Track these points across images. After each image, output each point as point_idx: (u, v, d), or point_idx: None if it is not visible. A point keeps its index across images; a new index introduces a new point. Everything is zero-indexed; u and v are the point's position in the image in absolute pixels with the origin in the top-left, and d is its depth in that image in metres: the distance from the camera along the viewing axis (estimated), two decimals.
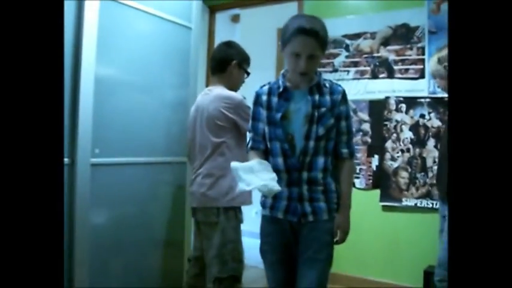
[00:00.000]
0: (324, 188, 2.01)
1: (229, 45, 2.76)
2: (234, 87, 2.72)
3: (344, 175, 2.08)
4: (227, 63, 2.67)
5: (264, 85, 2.11)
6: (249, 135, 2.15)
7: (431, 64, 3.51)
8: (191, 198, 2.68)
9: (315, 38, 1.88)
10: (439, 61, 2.69)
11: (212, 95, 2.58)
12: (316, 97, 2.00)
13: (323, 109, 1.99)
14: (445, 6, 3.56)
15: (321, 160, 1.99)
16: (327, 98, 2.01)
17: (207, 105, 2.57)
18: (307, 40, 1.87)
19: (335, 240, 2.06)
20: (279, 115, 1.98)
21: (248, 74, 2.77)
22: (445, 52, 2.68)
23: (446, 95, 3.49)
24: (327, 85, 2.04)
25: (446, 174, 2.67)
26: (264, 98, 2.05)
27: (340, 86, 2.08)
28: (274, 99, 2.02)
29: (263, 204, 2.10)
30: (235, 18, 6.02)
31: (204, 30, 4.59)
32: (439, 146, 2.93)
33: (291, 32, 1.89)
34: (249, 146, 2.13)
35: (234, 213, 2.54)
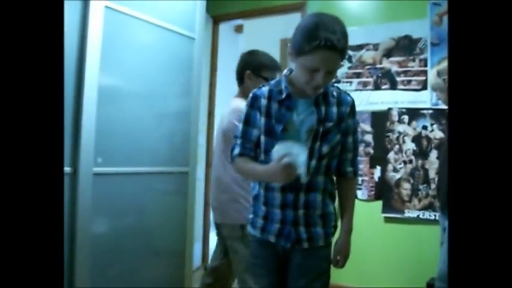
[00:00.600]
0: (321, 212, 1.79)
1: (248, 54, 2.71)
2: None
3: (347, 196, 1.90)
4: (242, 73, 2.63)
5: (264, 85, 1.84)
6: (236, 140, 1.88)
7: (430, 77, 3.51)
8: (213, 214, 2.68)
9: (340, 53, 1.60)
10: (438, 74, 2.70)
11: (229, 107, 2.58)
12: (323, 109, 1.73)
13: (329, 124, 1.73)
14: (447, 18, 3.57)
15: (321, 180, 1.77)
16: (334, 110, 1.75)
17: (223, 117, 2.58)
18: (331, 56, 1.58)
19: (335, 264, 1.88)
20: (280, 127, 1.72)
21: (267, 79, 2.48)
22: (443, 65, 2.70)
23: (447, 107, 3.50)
24: (335, 94, 1.78)
25: (444, 186, 2.68)
26: (263, 102, 1.77)
27: (349, 95, 1.83)
28: (275, 106, 1.74)
29: (253, 224, 1.87)
30: (239, 29, 6.05)
31: (207, 41, 4.61)
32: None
33: (314, 45, 1.55)
34: (237, 152, 1.85)
35: None
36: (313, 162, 1.71)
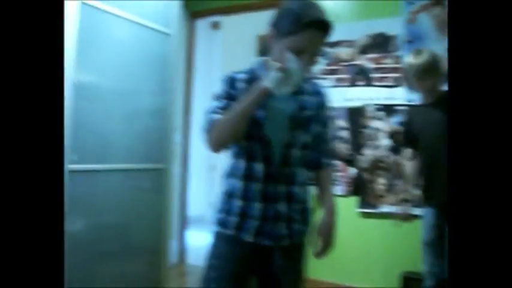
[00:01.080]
0: (301, 206, 1.72)
1: None
2: None
3: (326, 183, 1.79)
4: None
5: (240, 72, 1.70)
6: (210, 114, 1.63)
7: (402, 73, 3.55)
8: None
9: (326, 34, 1.55)
10: (407, 69, 2.76)
11: None
12: (304, 97, 1.70)
13: (309, 112, 1.70)
14: (421, 17, 3.62)
15: (301, 173, 1.71)
16: (313, 99, 1.72)
17: None
18: (319, 36, 1.54)
19: (317, 254, 1.72)
20: (261, 113, 1.60)
21: None
22: (409, 59, 2.74)
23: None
24: (311, 83, 1.76)
25: (439, 183, 2.68)
26: (241, 85, 1.65)
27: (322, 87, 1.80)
28: None
29: (223, 223, 1.68)
30: (216, 26, 6.04)
31: (184, 37, 4.59)
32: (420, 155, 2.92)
33: (304, 24, 1.50)
34: (214, 116, 1.61)
35: None
36: (294, 152, 1.67)
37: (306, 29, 1.51)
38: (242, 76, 1.68)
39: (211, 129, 1.59)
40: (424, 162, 2.85)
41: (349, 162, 3.83)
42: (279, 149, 1.64)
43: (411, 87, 2.87)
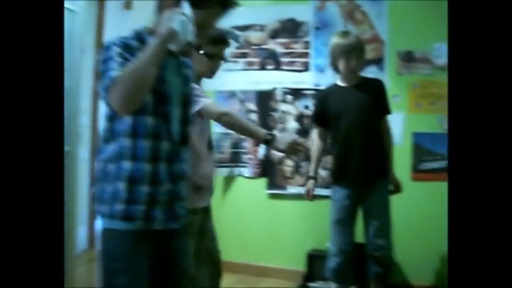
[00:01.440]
0: (186, 184, 1.67)
1: None
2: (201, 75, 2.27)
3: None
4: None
5: (125, 37, 1.55)
6: (108, 65, 1.45)
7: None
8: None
9: (229, 11, 1.57)
10: (334, 48, 2.81)
11: None
12: (188, 71, 1.67)
13: (191, 88, 1.68)
14: (329, 4, 3.72)
15: (187, 150, 1.66)
16: (190, 73, 1.69)
17: None
18: (225, 13, 1.58)
19: None
20: (161, 85, 1.51)
21: (210, 56, 2.22)
22: (336, 39, 2.79)
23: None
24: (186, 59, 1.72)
25: (353, 164, 2.76)
26: (134, 44, 1.52)
27: None
28: None
29: (125, 216, 1.49)
30: (128, 5, 5.87)
31: (92, 15, 4.43)
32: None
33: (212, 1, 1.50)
34: (113, 72, 1.42)
35: None
36: (188, 129, 1.64)
37: (217, 5, 1.51)
38: (130, 39, 1.55)
39: (113, 86, 1.37)
40: (338, 143, 2.88)
41: (257, 144, 3.88)
42: (177, 125, 1.58)
43: (335, 67, 2.88)
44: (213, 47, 2.20)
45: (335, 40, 2.86)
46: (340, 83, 2.91)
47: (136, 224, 1.49)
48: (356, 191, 2.79)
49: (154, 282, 1.55)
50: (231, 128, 2.28)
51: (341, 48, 2.77)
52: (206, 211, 2.26)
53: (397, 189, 2.83)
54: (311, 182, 2.99)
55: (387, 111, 2.87)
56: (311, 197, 2.98)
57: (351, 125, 2.78)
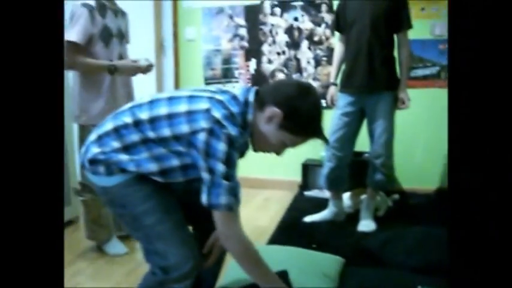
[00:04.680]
0: None
1: None
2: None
3: None
4: None
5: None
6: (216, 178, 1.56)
7: None
8: None
9: None
10: None
11: None
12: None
13: None
14: None
15: None
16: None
17: None
18: None
19: None
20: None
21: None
22: None
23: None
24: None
25: (360, 70, 2.71)
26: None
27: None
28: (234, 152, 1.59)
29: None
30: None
31: None
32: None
33: None
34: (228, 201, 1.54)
35: None
36: None
37: (309, 137, 1.54)
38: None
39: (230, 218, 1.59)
40: (349, 50, 2.82)
41: (248, 59, 3.86)
42: None
43: None
44: None
45: None
46: None
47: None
48: (360, 98, 2.80)
49: (187, 210, 1.58)
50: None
51: None
52: None
53: (403, 104, 2.79)
54: (333, 88, 2.94)
55: (407, 25, 2.80)
56: (333, 104, 2.93)
57: (362, 33, 2.72)
